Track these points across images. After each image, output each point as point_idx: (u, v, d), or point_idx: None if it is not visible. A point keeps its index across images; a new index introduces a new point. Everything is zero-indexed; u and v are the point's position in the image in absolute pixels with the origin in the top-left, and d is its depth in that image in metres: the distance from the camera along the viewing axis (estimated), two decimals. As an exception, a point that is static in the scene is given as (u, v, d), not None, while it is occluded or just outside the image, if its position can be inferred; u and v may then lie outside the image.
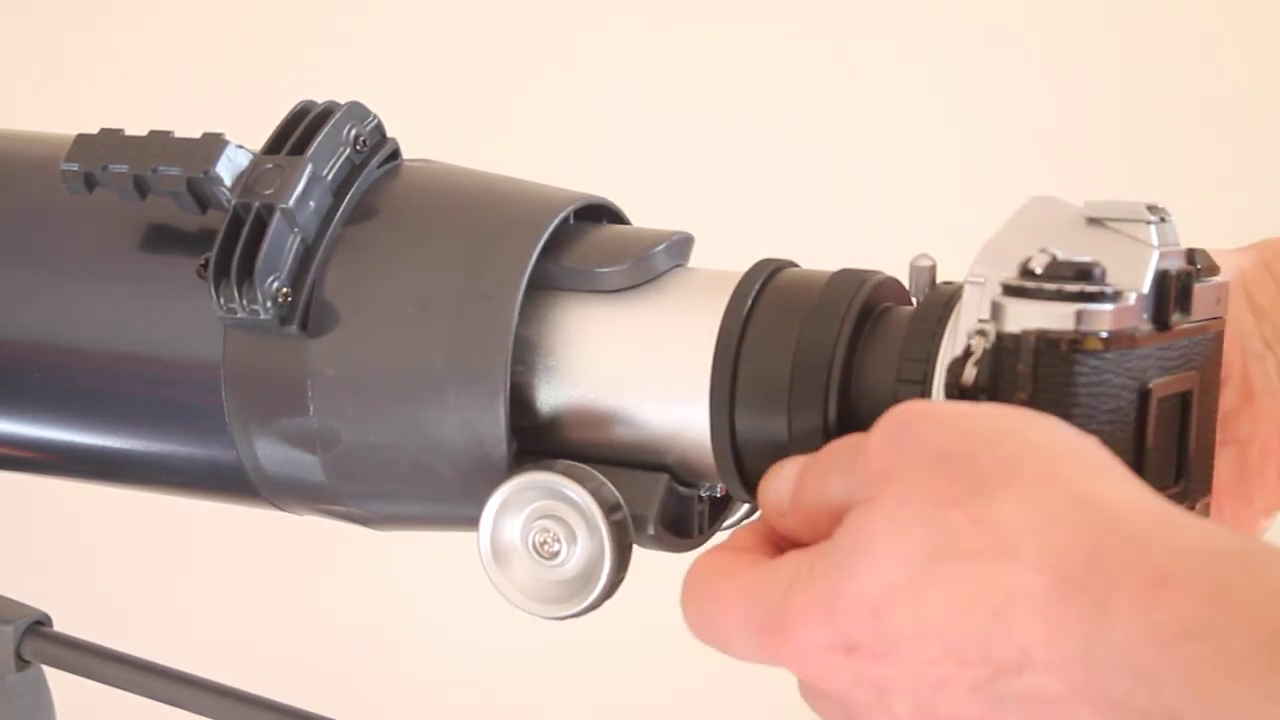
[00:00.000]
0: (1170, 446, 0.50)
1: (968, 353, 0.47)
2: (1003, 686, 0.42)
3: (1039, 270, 0.47)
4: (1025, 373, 0.46)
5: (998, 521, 0.43)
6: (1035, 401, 0.46)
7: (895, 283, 0.54)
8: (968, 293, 0.49)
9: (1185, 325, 0.50)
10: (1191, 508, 0.52)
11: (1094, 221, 0.49)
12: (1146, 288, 0.48)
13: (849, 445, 0.47)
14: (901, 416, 0.46)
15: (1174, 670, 0.40)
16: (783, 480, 0.50)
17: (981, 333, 0.47)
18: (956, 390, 0.47)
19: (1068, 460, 0.43)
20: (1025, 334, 0.46)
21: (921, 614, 0.43)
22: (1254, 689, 0.39)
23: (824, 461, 0.48)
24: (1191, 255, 0.50)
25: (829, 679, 0.45)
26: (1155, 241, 0.49)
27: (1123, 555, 0.41)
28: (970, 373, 0.47)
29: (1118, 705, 0.41)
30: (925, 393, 0.50)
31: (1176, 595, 0.40)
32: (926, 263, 0.52)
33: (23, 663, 0.63)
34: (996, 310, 0.47)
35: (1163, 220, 0.49)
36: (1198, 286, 0.50)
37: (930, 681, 0.43)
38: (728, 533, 0.59)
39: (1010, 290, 0.47)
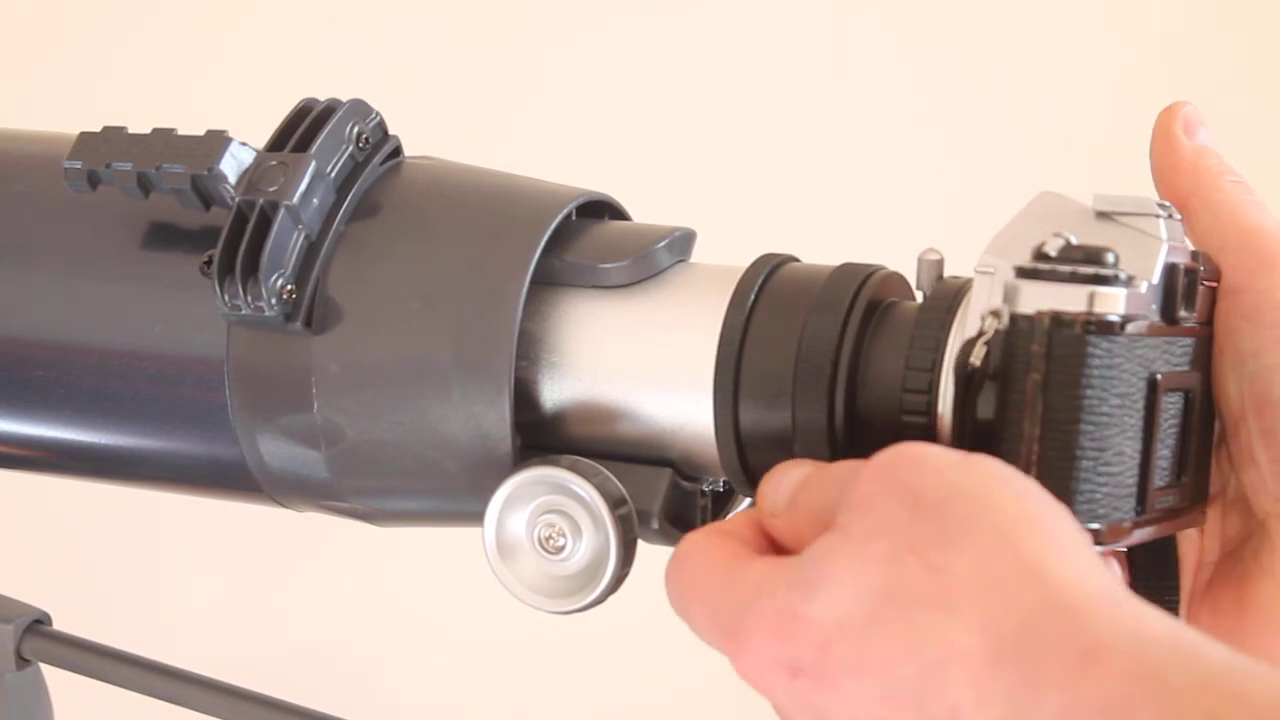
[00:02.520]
0: (1174, 442, 0.51)
1: (980, 334, 0.48)
2: None
3: (1053, 253, 0.47)
4: (1039, 353, 0.47)
5: (949, 574, 0.43)
6: (1048, 382, 0.46)
7: (899, 277, 0.54)
8: (977, 282, 0.49)
9: (1190, 323, 0.50)
10: (1191, 510, 0.53)
11: (1103, 215, 0.50)
12: (1156, 278, 0.48)
13: (851, 467, 0.48)
14: (894, 453, 0.46)
15: None
16: (784, 483, 0.50)
17: (995, 313, 0.48)
18: (965, 373, 0.48)
19: (1029, 526, 0.44)
20: (1039, 315, 0.47)
21: (865, 652, 0.44)
22: None
23: (827, 477, 0.49)
24: (1196, 255, 0.51)
25: (774, 694, 0.46)
26: (1164, 235, 0.49)
27: (1058, 628, 0.42)
28: (979, 352, 0.47)
29: None
30: (934, 380, 0.50)
31: (1105, 673, 0.40)
32: (934, 256, 0.52)
33: (23, 661, 0.63)
34: (1010, 292, 0.47)
35: (1171, 216, 0.49)
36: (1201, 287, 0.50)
37: (864, 719, 0.44)
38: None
39: (1024, 273, 0.47)
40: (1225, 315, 0.52)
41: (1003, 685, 0.42)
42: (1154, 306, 0.48)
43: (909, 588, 0.43)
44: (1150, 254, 0.48)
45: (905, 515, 0.44)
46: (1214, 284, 0.52)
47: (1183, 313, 0.49)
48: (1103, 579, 0.43)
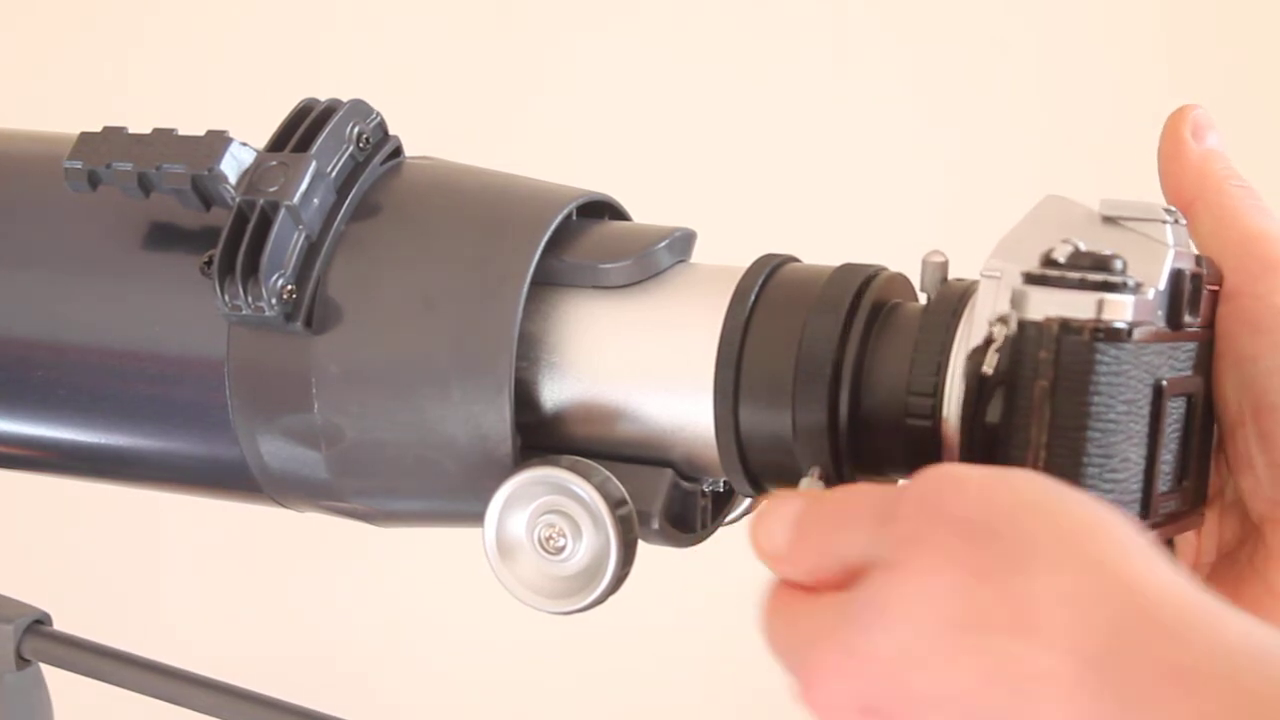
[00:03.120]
0: (1176, 446, 0.51)
1: (989, 341, 0.48)
2: None
3: (1062, 259, 0.47)
4: (1047, 359, 0.46)
5: (1026, 596, 0.42)
6: (1056, 389, 0.46)
7: (903, 278, 0.54)
8: (983, 286, 0.49)
9: (1194, 328, 0.50)
10: (1191, 514, 0.53)
11: (1109, 220, 0.50)
12: (1163, 284, 0.48)
13: (870, 502, 0.46)
14: (931, 483, 0.45)
15: None
16: (780, 523, 0.48)
17: (1003, 320, 0.47)
18: (976, 380, 0.48)
19: (1100, 535, 0.43)
20: (1048, 321, 0.47)
21: (943, 683, 0.42)
22: None
23: (836, 513, 0.47)
24: (1200, 259, 0.51)
25: None
26: (1170, 241, 0.49)
27: (1148, 642, 0.40)
28: (992, 359, 0.47)
29: None
30: (939, 384, 0.50)
31: (1200, 691, 0.39)
32: (939, 258, 0.52)
33: (23, 661, 0.63)
34: (1018, 298, 0.47)
35: (1177, 222, 0.49)
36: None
37: None
38: (729, 528, 0.59)
39: (1032, 279, 0.47)
40: (1225, 319, 0.52)
41: (1094, 705, 0.40)
42: (1160, 313, 0.48)
43: (984, 614, 0.42)
44: (1157, 260, 0.48)
45: (962, 545, 0.43)
46: (1216, 288, 0.52)
47: (1187, 318, 0.49)
48: (1187, 585, 0.42)
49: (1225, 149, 0.54)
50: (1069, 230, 0.49)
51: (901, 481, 0.55)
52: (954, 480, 0.45)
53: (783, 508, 0.48)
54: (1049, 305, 0.47)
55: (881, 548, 0.45)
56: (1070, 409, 0.46)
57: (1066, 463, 0.47)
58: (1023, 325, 0.47)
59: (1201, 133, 0.55)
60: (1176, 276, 0.49)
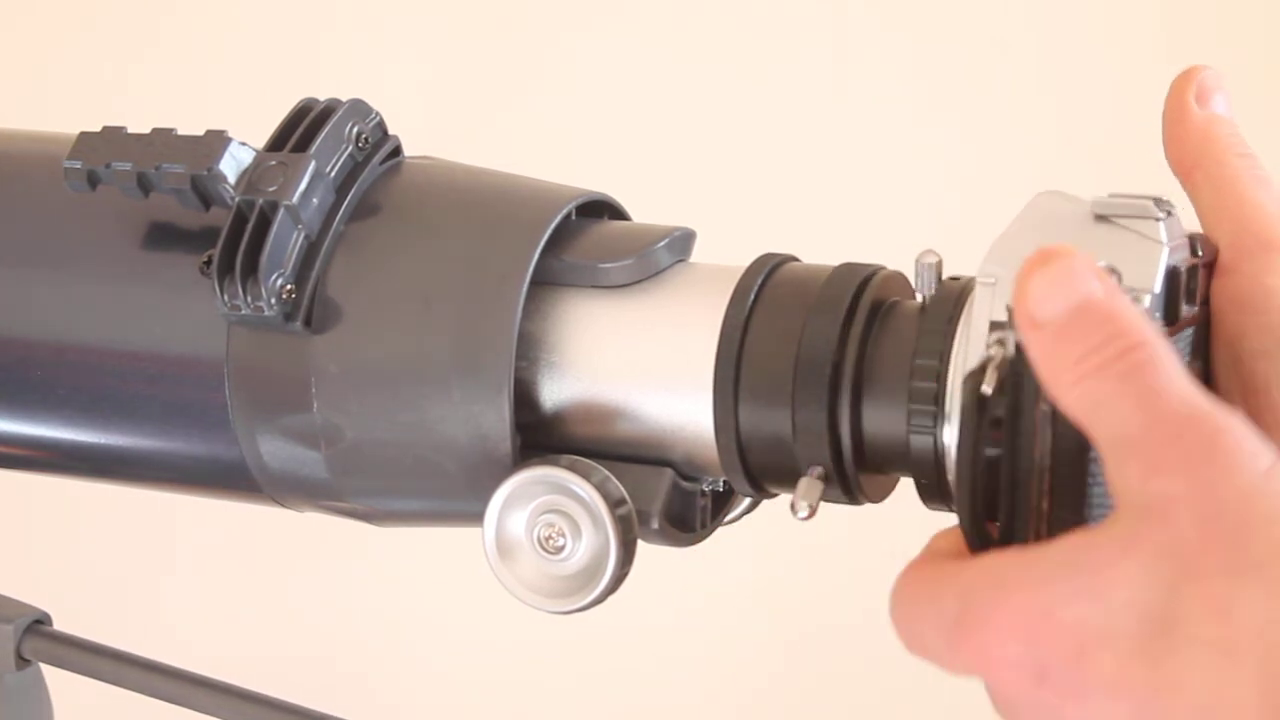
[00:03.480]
0: None
1: (986, 362, 0.47)
2: None
3: None
4: None
5: (1231, 616, 0.40)
6: (1058, 413, 0.45)
7: (899, 276, 0.54)
8: (979, 293, 0.49)
9: (1189, 314, 0.50)
10: None
11: (1101, 219, 0.49)
12: (1158, 287, 0.48)
13: (1181, 420, 0.42)
14: (1208, 441, 0.42)
15: None
16: (1060, 289, 0.44)
17: (1000, 341, 0.47)
18: (975, 401, 0.47)
19: None
20: None
21: (1128, 673, 0.41)
22: None
23: (1112, 322, 0.43)
24: (1195, 244, 0.50)
25: (1007, 693, 0.43)
26: (1164, 238, 0.48)
27: None
28: (991, 377, 0.47)
29: None
30: (939, 393, 0.50)
31: None
32: (932, 259, 0.52)
33: (23, 661, 0.63)
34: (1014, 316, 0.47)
35: (1169, 214, 0.49)
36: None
37: None
38: (728, 526, 0.59)
39: None
40: (1218, 296, 0.51)
41: None
42: (1157, 315, 0.48)
43: (1186, 622, 0.40)
44: (1151, 261, 0.48)
45: (1196, 534, 0.41)
46: (1212, 261, 0.51)
47: (1184, 308, 0.49)
48: None
49: (1233, 113, 0.53)
50: (1061, 231, 0.48)
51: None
52: (1229, 456, 0.41)
53: (1076, 281, 0.44)
54: None
55: (1126, 490, 0.42)
56: (1072, 431, 0.46)
57: (1071, 484, 0.46)
58: (1020, 347, 0.46)
59: (1206, 96, 0.53)
60: (1171, 275, 0.49)
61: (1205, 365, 0.52)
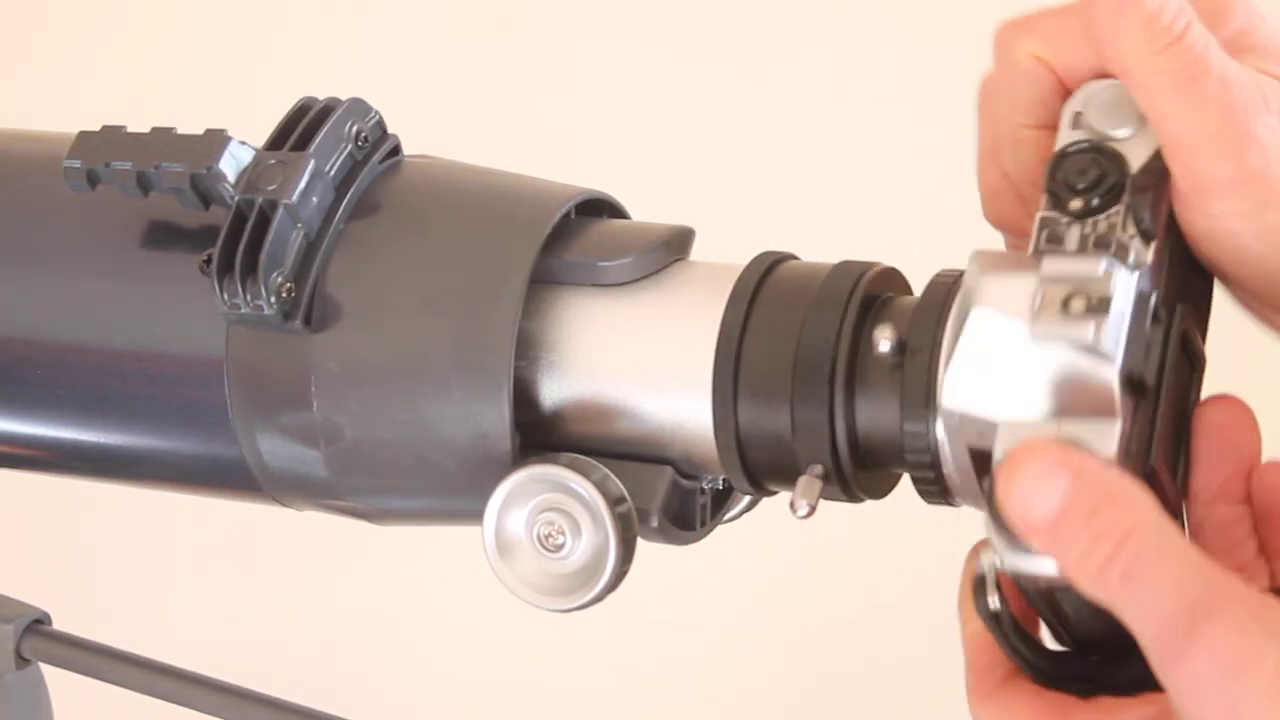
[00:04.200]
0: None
1: (982, 578, 0.48)
2: None
3: None
4: None
5: None
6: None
7: (896, 273, 0.54)
8: (944, 438, 0.49)
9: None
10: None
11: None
12: (1116, 444, 0.46)
13: (1184, 624, 0.43)
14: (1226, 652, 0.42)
15: None
16: (1040, 496, 0.45)
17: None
18: (993, 618, 0.48)
19: None
20: None
21: None
22: None
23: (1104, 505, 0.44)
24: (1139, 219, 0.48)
25: None
26: (1113, 376, 0.46)
27: None
28: (994, 591, 0.48)
29: None
30: (930, 389, 0.50)
31: None
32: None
33: (23, 661, 0.63)
34: None
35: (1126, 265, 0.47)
36: None
37: None
38: (729, 525, 0.59)
39: None
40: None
41: None
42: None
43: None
44: (1109, 436, 0.46)
45: None
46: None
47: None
48: None
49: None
50: (1005, 366, 0.47)
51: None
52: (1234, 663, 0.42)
53: (1046, 482, 0.45)
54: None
55: (1156, 666, 0.43)
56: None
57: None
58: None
59: None
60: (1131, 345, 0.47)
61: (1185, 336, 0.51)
